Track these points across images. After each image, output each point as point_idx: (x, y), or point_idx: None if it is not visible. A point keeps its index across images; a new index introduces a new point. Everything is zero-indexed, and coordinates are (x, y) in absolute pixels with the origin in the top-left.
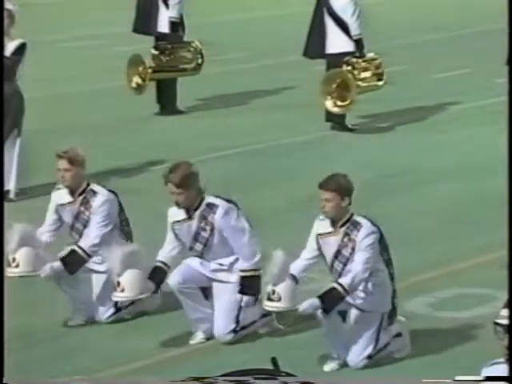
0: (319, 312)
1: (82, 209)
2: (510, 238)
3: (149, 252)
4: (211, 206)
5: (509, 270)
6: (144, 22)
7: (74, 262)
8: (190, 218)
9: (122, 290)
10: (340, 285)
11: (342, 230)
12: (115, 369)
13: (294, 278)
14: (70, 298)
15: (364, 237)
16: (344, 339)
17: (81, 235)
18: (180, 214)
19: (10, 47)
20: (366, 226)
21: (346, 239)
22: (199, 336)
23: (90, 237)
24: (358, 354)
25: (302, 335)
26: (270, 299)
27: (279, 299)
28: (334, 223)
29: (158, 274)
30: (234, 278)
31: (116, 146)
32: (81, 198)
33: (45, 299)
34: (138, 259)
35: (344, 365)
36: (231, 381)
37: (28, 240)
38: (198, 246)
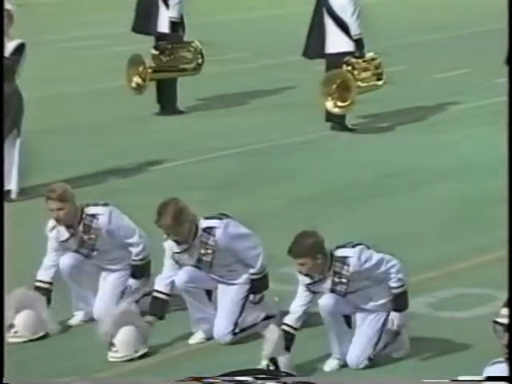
0: (325, 312)
1: (85, 237)
2: (510, 237)
3: (150, 252)
4: (209, 231)
5: (509, 270)
6: (144, 21)
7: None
8: (189, 247)
9: (117, 351)
10: (397, 287)
11: (330, 273)
12: (115, 369)
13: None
14: (75, 296)
15: (360, 264)
16: (348, 341)
17: (88, 256)
18: (178, 247)
19: (9, 47)
20: (352, 256)
21: (337, 279)
22: (199, 336)
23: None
24: (358, 354)
25: (303, 335)
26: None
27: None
28: (320, 276)
29: (158, 306)
30: (240, 279)
31: (116, 146)
32: (80, 227)
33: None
34: (131, 317)
35: (344, 364)
36: (231, 381)
37: (27, 303)
38: (203, 267)
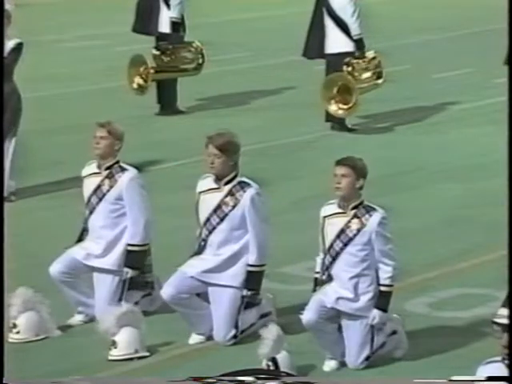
0: (309, 327)
1: (105, 181)
2: (510, 238)
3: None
4: (243, 185)
5: (509, 271)
6: (145, 22)
7: (136, 260)
8: (218, 188)
9: (117, 350)
10: (387, 285)
11: (352, 212)
12: (115, 369)
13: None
14: (70, 296)
15: (379, 223)
16: (341, 344)
17: (91, 211)
18: (210, 184)
19: (7, 47)
20: (379, 211)
21: (353, 221)
22: (199, 336)
23: (133, 227)
24: (355, 355)
25: (302, 335)
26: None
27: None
28: (343, 206)
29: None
30: (232, 281)
31: None
32: (107, 172)
33: (45, 298)
34: (133, 318)
35: (343, 364)
36: (231, 381)
37: (30, 304)
38: (214, 220)
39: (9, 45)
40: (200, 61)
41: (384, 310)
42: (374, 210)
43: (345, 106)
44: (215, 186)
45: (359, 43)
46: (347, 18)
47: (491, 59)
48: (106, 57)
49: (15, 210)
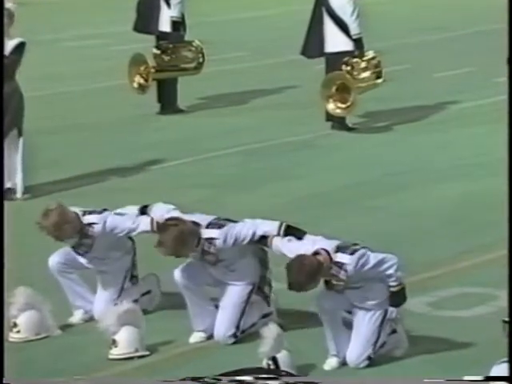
0: (322, 309)
1: (82, 240)
2: (511, 237)
3: (149, 251)
4: (209, 241)
5: (509, 270)
6: (145, 21)
7: None
8: (193, 252)
9: (118, 348)
10: (395, 286)
11: (329, 273)
12: (115, 368)
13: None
14: (70, 293)
15: (356, 270)
16: (347, 339)
17: (86, 252)
18: None
19: (8, 46)
20: (349, 262)
21: (334, 281)
22: (199, 335)
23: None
24: (357, 354)
25: (303, 334)
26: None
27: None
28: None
29: None
30: (242, 281)
31: (116, 145)
32: (78, 234)
33: (45, 297)
34: (134, 317)
35: (344, 363)
36: (231, 381)
37: (31, 304)
38: (209, 261)
39: (11, 44)
40: (200, 60)
41: (400, 304)
42: (343, 264)
43: (343, 105)
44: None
45: (358, 42)
46: (346, 17)
47: (491, 58)
48: (106, 56)
49: (18, 208)
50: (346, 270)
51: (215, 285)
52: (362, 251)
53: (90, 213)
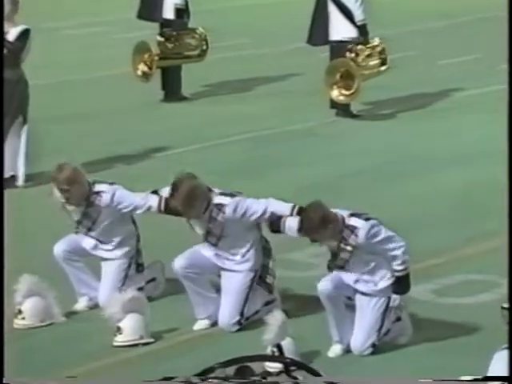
0: (323, 296)
1: (88, 209)
2: (511, 224)
3: (154, 238)
4: (219, 207)
5: (509, 257)
6: (149, 8)
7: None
8: (199, 219)
9: (123, 335)
10: (401, 270)
11: (340, 237)
12: (120, 355)
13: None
14: (75, 280)
15: (367, 237)
16: (350, 326)
17: (89, 230)
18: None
19: (13, 33)
20: (362, 227)
21: (343, 245)
22: (204, 322)
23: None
24: (361, 341)
25: (307, 321)
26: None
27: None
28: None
29: None
30: (244, 267)
31: (121, 133)
32: (85, 201)
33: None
34: (139, 304)
35: (349, 350)
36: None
37: (35, 290)
38: (212, 239)
39: (15, 31)
40: (204, 47)
41: (403, 292)
42: (356, 228)
43: (347, 92)
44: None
45: (363, 29)
46: (351, 4)
47: (497, 45)
48: (110, 44)
49: (22, 196)
50: (356, 235)
51: (216, 272)
52: (375, 221)
53: (100, 183)
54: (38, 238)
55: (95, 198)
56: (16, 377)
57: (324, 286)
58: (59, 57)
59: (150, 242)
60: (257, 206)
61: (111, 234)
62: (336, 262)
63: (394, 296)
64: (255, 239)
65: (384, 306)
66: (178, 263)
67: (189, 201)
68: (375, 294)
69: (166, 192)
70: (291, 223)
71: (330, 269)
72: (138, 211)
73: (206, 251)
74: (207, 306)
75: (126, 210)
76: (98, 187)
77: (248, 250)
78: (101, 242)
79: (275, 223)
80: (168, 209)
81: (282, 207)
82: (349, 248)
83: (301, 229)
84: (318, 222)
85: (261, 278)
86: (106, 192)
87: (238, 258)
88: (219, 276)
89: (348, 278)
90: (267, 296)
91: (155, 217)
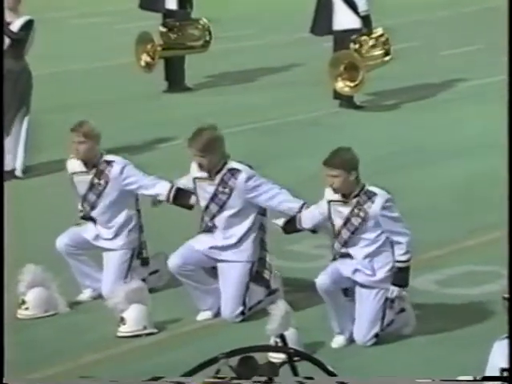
0: (322, 291)
1: (96, 180)
2: (511, 215)
3: (157, 229)
4: (233, 172)
5: (509, 248)
6: None
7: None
8: (210, 178)
9: (126, 326)
10: (403, 261)
11: (354, 200)
12: (123, 345)
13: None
14: (79, 273)
15: (382, 207)
16: (349, 317)
17: (92, 207)
18: (202, 173)
19: (16, 24)
20: (380, 194)
21: (356, 209)
22: (207, 313)
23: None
24: (364, 332)
25: (310, 312)
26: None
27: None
28: (344, 195)
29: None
30: (241, 257)
31: (124, 123)
32: (95, 169)
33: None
34: (142, 295)
35: (352, 340)
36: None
37: (39, 281)
38: (214, 208)
39: (19, 22)
40: (207, 38)
41: (402, 285)
42: (375, 194)
43: (351, 84)
44: (208, 175)
45: (366, 20)
46: None
47: (499, 36)
48: (113, 34)
49: (24, 187)
50: (373, 202)
51: (212, 265)
52: (392, 197)
53: (113, 154)
54: (39, 229)
55: (105, 168)
56: (19, 367)
57: (322, 280)
58: (61, 47)
59: (154, 233)
60: (270, 187)
61: (112, 215)
62: (337, 241)
63: (393, 287)
64: (254, 225)
65: (384, 298)
66: (173, 262)
67: (208, 147)
68: (374, 286)
69: (180, 184)
70: (307, 214)
71: (334, 250)
72: (144, 191)
73: (200, 245)
74: (207, 298)
75: (132, 187)
76: (109, 157)
77: (245, 234)
78: (100, 225)
79: (290, 223)
80: (176, 199)
81: (292, 201)
82: (362, 214)
83: (325, 162)
84: (346, 161)
85: (258, 272)
86: (116, 163)
87: (233, 240)
88: (214, 268)
89: (346, 268)
90: (270, 285)
91: (159, 208)
